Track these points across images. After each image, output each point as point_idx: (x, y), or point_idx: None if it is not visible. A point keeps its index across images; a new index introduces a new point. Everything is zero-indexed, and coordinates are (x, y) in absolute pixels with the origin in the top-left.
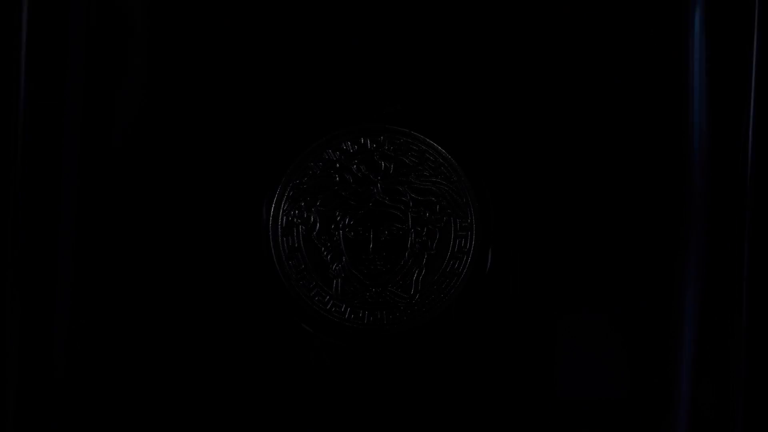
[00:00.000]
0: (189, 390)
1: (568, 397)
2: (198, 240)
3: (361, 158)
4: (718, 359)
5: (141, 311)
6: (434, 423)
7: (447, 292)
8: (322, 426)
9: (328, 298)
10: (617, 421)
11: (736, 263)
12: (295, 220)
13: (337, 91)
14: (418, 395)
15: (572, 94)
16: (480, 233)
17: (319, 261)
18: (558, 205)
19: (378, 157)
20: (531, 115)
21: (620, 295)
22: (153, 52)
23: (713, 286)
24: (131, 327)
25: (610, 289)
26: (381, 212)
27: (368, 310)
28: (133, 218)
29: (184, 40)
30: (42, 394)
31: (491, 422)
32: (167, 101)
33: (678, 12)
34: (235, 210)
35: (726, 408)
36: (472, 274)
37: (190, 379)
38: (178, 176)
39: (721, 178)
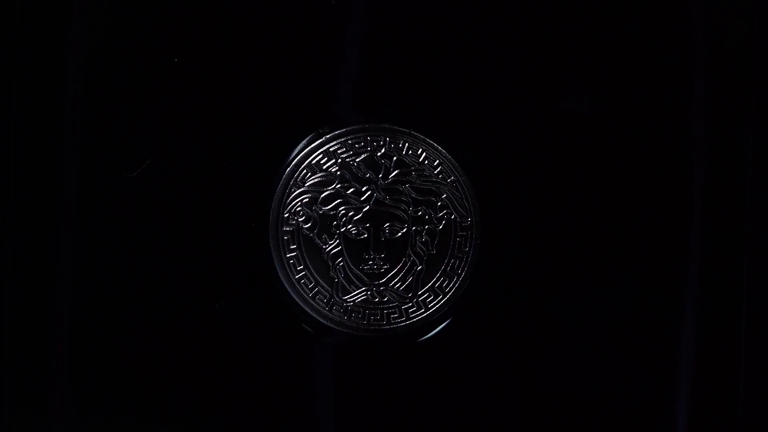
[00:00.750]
0: (189, 390)
1: (568, 397)
2: (198, 240)
3: (362, 158)
4: (718, 359)
5: (141, 311)
6: (434, 423)
7: (447, 292)
8: (322, 426)
9: (329, 298)
10: (617, 421)
11: (736, 263)
12: (295, 219)
13: (337, 91)
14: (419, 395)
15: (572, 94)
16: (480, 233)
17: (319, 261)
18: (558, 205)
19: (379, 157)
20: (531, 115)
21: (620, 295)
22: (153, 52)
23: (713, 286)
24: (130, 327)
25: (610, 289)
26: (381, 212)
27: (369, 310)
28: (132, 218)
29: (183, 39)
30: (40, 395)
31: (491, 422)
32: (166, 100)
33: (679, 12)
34: (234, 210)
35: (726, 407)
36: (472, 274)
37: (190, 379)
38: (176, 176)
39: (721, 178)
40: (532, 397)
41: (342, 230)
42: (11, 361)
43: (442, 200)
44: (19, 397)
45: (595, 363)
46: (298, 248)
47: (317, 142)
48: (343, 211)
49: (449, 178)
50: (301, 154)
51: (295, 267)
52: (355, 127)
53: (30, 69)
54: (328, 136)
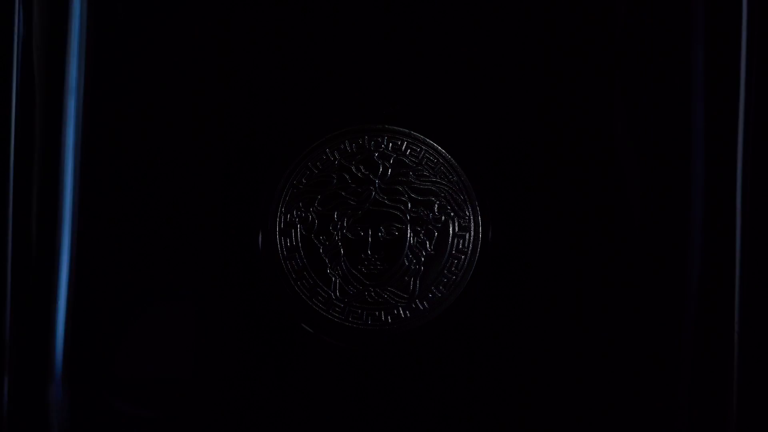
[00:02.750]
0: (189, 390)
1: (567, 397)
2: (197, 240)
3: (361, 158)
4: (717, 359)
5: (141, 312)
6: (434, 423)
7: (446, 292)
8: (322, 426)
9: (328, 298)
10: (617, 420)
11: (735, 263)
12: (294, 220)
13: (337, 91)
14: (418, 395)
15: (572, 94)
16: (479, 233)
17: (317, 261)
18: (557, 205)
19: (377, 157)
20: (530, 115)
21: (620, 296)
22: (153, 52)
23: (712, 285)
24: (131, 327)
25: (610, 289)
26: (380, 212)
27: (368, 310)
28: (133, 219)
29: (184, 40)
30: (39, 395)
31: (490, 421)
32: (166, 101)
33: (678, 13)
34: (234, 210)
35: (725, 408)
36: (471, 274)
37: (190, 379)
38: (177, 176)
39: (721, 179)
40: (532, 397)
41: (341, 230)
42: (11, 360)
43: (440, 200)
44: (20, 396)
45: (594, 363)
46: (297, 248)
47: (317, 142)
48: (342, 212)
49: (448, 178)
50: (301, 155)
51: (294, 267)
52: (354, 127)
53: (30, 69)
54: (328, 136)
